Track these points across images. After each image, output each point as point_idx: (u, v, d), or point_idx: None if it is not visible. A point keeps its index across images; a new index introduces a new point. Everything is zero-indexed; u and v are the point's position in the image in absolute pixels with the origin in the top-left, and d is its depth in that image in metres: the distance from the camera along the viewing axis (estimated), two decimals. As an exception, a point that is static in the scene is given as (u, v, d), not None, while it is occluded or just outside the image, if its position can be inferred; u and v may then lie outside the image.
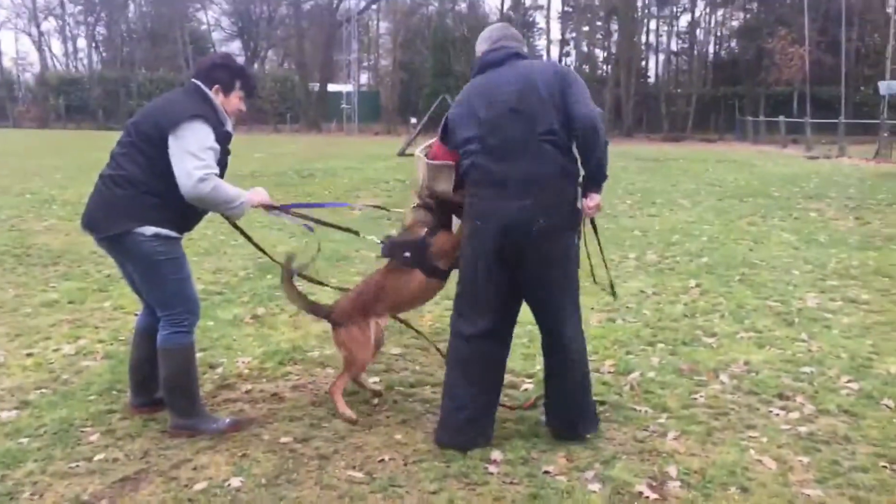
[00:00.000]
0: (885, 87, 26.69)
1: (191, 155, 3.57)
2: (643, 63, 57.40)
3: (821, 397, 4.40)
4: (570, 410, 3.80)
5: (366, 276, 4.48)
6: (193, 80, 3.84)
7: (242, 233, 4.29)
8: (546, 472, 3.46)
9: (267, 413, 4.14)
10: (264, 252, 4.45)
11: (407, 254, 4.08)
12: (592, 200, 3.70)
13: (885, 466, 3.55)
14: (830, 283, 7.24)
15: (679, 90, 55.33)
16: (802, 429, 3.98)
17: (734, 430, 3.98)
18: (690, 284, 7.21)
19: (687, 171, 20.72)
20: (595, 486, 3.34)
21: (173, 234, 3.75)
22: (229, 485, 3.34)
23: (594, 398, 3.99)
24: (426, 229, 4.11)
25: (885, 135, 25.50)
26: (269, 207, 4.07)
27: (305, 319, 5.91)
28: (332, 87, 53.99)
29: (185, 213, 3.76)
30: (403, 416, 4.11)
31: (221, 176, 3.75)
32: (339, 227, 4.73)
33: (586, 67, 56.92)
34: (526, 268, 3.67)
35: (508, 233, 3.59)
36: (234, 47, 60.99)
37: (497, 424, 3.98)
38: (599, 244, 4.10)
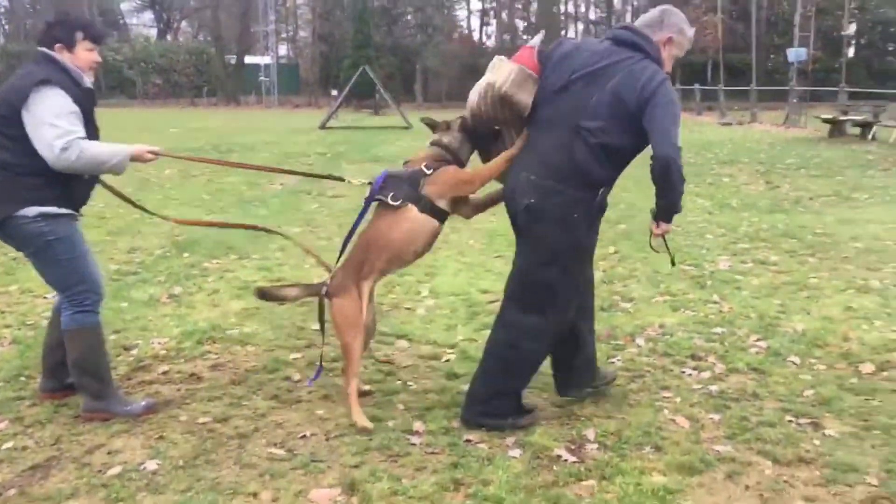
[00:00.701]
0: (793, 54, 27.53)
1: (47, 125, 3.38)
2: (563, 32, 57.79)
3: (731, 356, 4.56)
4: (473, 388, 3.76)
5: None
6: (38, 48, 3.63)
7: (119, 195, 3.97)
8: (467, 441, 3.50)
9: (184, 394, 4.06)
10: (137, 206, 4.10)
11: (395, 190, 3.61)
12: (661, 229, 3.61)
13: (790, 420, 3.71)
14: (741, 245, 7.49)
15: (598, 59, 55.88)
16: (714, 387, 4.12)
17: (649, 391, 4.10)
18: (609, 251, 7.35)
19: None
20: (515, 452, 3.39)
21: (63, 210, 3.56)
22: (145, 468, 3.26)
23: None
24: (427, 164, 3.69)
25: (794, 101, 26.36)
26: (155, 154, 3.75)
27: (224, 297, 5.81)
28: (249, 60, 52.62)
29: (70, 185, 3.56)
30: (326, 391, 4.09)
31: (95, 136, 3.59)
32: (322, 176, 4.65)
33: (507, 37, 57.08)
34: (516, 235, 3.68)
35: (509, 197, 3.61)
36: (146, 19, 58.98)
37: (420, 396, 4.00)
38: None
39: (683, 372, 4.37)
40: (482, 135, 3.81)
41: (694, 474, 3.21)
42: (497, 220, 8.95)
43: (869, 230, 8.21)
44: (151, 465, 3.29)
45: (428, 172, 3.64)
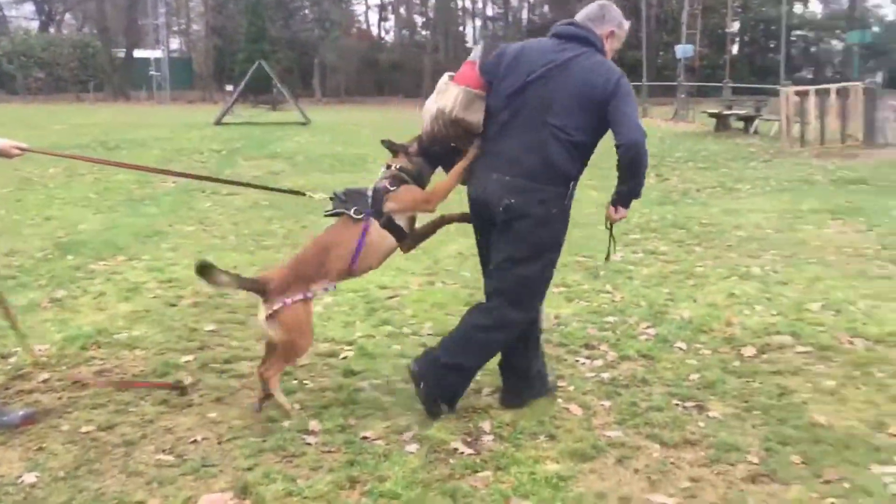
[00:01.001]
0: (680, 50, 28.54)
1: None
2: (461, 28, 58.28)
3: (622, 344, 4.69)
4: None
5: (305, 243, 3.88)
6: None
7: None
8: (364, 438, 3.47)
9: (66, 402, 3.87)
10: None
11: (358, 204, 3.66)
12: (620, 213, 3.75)
13: (677, 404, 3.84)
14: (633, 236, 7.72)
15: (496, 55, 56.52)
16: (605, 375, 4.23)
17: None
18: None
19: (505, 135, 21.25)
20: (412, 448, 3.38)
21: None
22: (23, 481, 3.10)
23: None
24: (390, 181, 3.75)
25: (682, 96, 27.35)
26: (21, 150, 3.57)
27: (111, 300, 5.58)
28: (138, 53, 50.83)
29: None
30: (218, 393, 3.98)
31: None
32: (284, 191, 4.48)
33: (406, 32, 57.10)
34: (493, 237, 3.73)
35: (480, 200, 3.66)
36: (27, 11, 56.09)
37: (316, 395, 3.95)
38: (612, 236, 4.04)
39: (577, 361, 4.47)
40: (440, 154, 3.86)
41: (586, 460, 3.28)
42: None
43: (751, 219, 8.61)
44: (30, 477, 3.12)
45: (391, 189, 3.71)
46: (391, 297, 5.66)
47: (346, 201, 3.70)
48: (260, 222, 8.50)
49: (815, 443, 3.40)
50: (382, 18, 59.55)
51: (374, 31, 59.99)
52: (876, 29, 50.01)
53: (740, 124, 21.28)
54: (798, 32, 53.77)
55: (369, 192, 3.73)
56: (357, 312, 5.31)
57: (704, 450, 3.37)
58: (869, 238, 7.56)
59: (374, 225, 3.69)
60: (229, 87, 33.61)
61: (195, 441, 3.45)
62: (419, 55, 53.73)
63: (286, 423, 3.59)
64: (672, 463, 3.27)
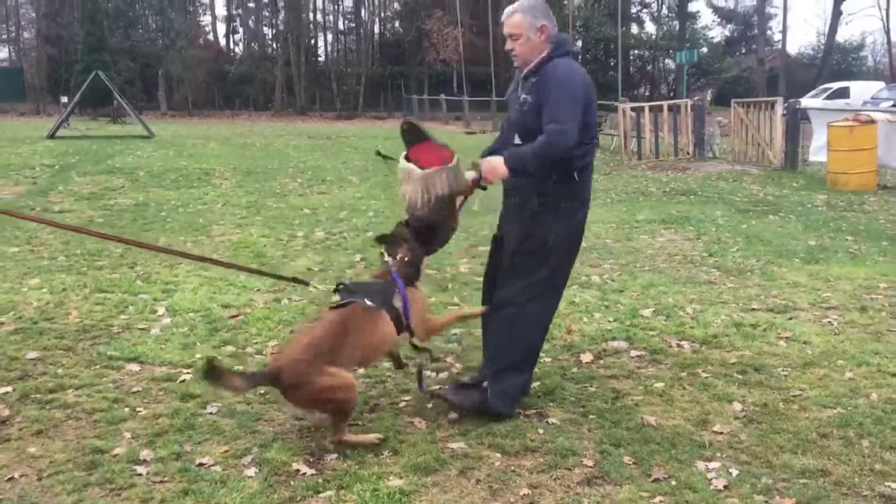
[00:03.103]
0: (526, 68, 29.53)
1: None
2: (312, 41, 57.77)
3: (468, 356, 4.75)
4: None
5: (305, 326, 3.73)
6: None
7: None
8: (200, 465, 3.33)
9: None
10: None
11: (370, 297, 3.61)
12: (486, 164, 3.75)
13: (519, 413, 3.92)
14: (481, 248, 7.85)
15: (349, 69, 56.51)
16: (449, 387, 4.25)
17: (390, 396, 4.16)
18: (356, 259, 7.40)
19: (357, 149, 21.28)
20: (251, 472, 3.28)
21: None
22: None
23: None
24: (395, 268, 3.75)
25: (530, 112, 28.29)
26: None
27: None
28: (-38, 62, 47.24)
29: None
30: (39, 425, 3.70)
31: None
32: (286, 279, 4.39)
33: (255, 45, 56.04)
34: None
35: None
36: None
37: (149, 422, 3.76)
38: None
39: (424, 374, 4.48)
40: (432, 225, 3.83)
41: (429, 473, 3.29)
42: (242, 231, 8.71)
43: (592, 230, 8.96)
44: None
45: (396, 286, 3.70)
46: (234, 317, 5.48)
47: (355, 292, 3.65)
48: (93, 241, 8.04)
49: (645, 443, 3.56)
50: (231, 30, 58.16)
51: (222, 42, 58.45)
52: (704, 50, 53.72)
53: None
54: (635, 52, 56.90)
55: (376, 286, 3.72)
56: (197, 333, 5.11)
57: (543, 456, 3.46)
58: (697, 246, 8.05)
59: (386, 317, 3.64)
60: (64, 99, 31.75)
61: (12, 479, 3.20)
62: (271, 68, 52.84)
63: (115, 453, 3.39)
64: (513, 471, 3.33)
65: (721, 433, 3.69)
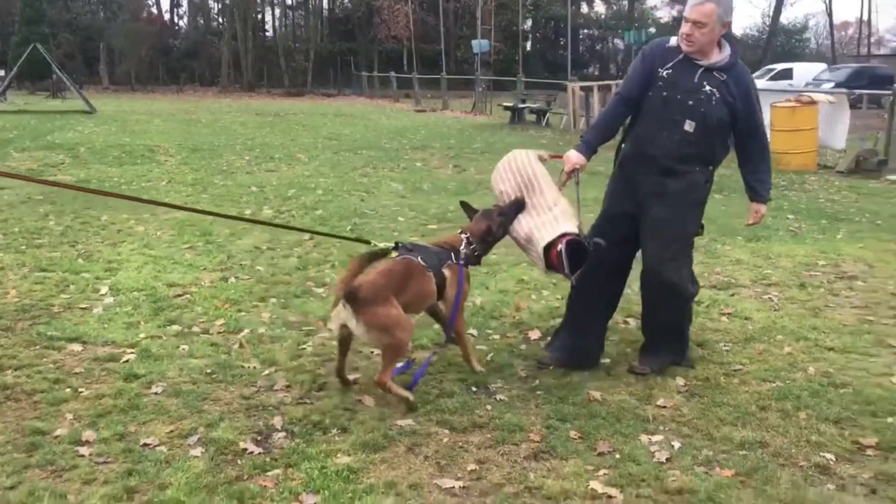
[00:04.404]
0: (476, 45, 29.51)
1: None
2: (260, 16, 56.80)
3: (415, 333, 4.73)
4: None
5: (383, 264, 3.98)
6: None
7: None
8: (145, 445, 3.29)
9: None
10: None
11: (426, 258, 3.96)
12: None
13: (467, 389, 3.94)
14: (430, 227, 7.86)
15: (297, 45, 55.74)
16: (400, 365, 4.25)
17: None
18: (305, 237, 7.33)
19: (306, 126, 21.05)
20: (197, 451, 3.24)
21: None
22: None
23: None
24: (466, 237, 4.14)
25: (480, 90, 28.27)
26: None
27: None
28: None
29: None
30: (-22, 408, 3.61)
31: None
32: (350, 239, 4.91)
33: (200, 19, 54.84)
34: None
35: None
36: None
37: (92, 402, 3.69)
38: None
39: (372, 352, 4.47)
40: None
41: (377, 451, 3.30)
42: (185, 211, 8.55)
43: (541, 208, 9.02)
44: None
45: (454, 262, 4.06)
46: (180, 295, 5.40)
47: (412, 251, 3.98)
48: (33, 218, 7.83)
49: (591, 418, 3.62)
50: (175, 3, 56.81)
51: (166, 16, 57.09)
52: (653, 30, 54.18)
53: (533, 117, 22.33)
54: (585, 31, 57.20)
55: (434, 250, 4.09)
56: (141, 312, 5.02)
57: (491, 432, 3.49)
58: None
59: (433, 278, 3.97)
60: (1, 73, 30.70)
61: (-53, 463, 3.11)
62: (216, 43, 51.82)
63: (56, 434, 3.33)
64: (460, 447, 3.36)
65: (664, 407, 3.76)
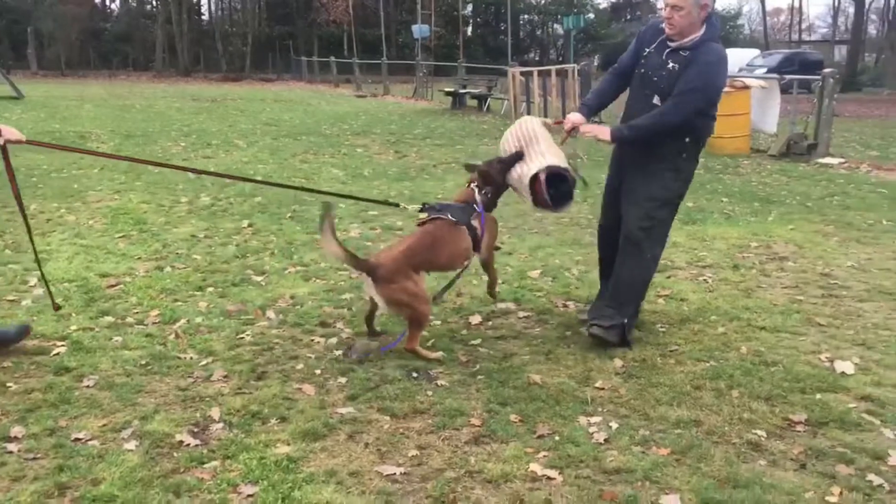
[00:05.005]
0: (417, 30, 29.38)
1: None
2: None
3: (357, 321, 4.72)
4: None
5: (406, 235, 4.41)
6: None
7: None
8: (76, 440, 3.20)
9: None
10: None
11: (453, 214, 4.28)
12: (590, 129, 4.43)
13: (408, 376, 3.93)
14: (371, 213, 7.80)
15: (235, 28, 54.72)
16: (340, 352, 4.24)
17: (278, 363, 4.09)
18: (243, 225, 7.22)
19: (244, 111, 20.72)
20: (131, 445, 3.17)
21: None
22: None
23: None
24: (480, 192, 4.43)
25: (421, 75, 28.16)
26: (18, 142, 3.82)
27: None
28: None
29: None
30: None
31: None
32: (376, 201, 5.47)
33: (133, 1, 53.42)
34: None
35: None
36: None
37: (21, 397, 3.58)
38: None
39: (312, 340, 4.44)
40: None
41: (317, 439, 3.27)
42: (121, 197, 8.35)
43: (482, 193, 9.04)
44: None
45: (478, 210, 4.39)
46: (113, 286, 5.27)
47: (441, 210, 4.31)
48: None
49: (531, 401, 3.65)
50: (107, -15, 55.18)
51: (98, -2, 55.43)
52: (591, 15, 54.72)
53: (474, 102, 22.34)
54: (525, 16, 57.41)
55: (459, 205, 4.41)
56: (73, 304, 4.88)
57: (432, 417, 3.50)
58: (583, 208, 8.24)
59: (465, 231, 4.31)
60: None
61: None
62: (149, 26, 50.55)
63: (-17, 433, 3.22)
64: (401, 433, 3.35)
65: (603, 389, 3.82)
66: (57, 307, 4.31)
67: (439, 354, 4.15)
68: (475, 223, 4.35)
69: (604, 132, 4.35)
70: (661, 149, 4.28)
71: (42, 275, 4.47)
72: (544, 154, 4.32)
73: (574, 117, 4.45)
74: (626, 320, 4.33)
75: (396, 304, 4.08)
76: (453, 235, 4.28)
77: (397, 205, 4.81)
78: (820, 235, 7.16)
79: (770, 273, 5.92)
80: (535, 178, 4.25)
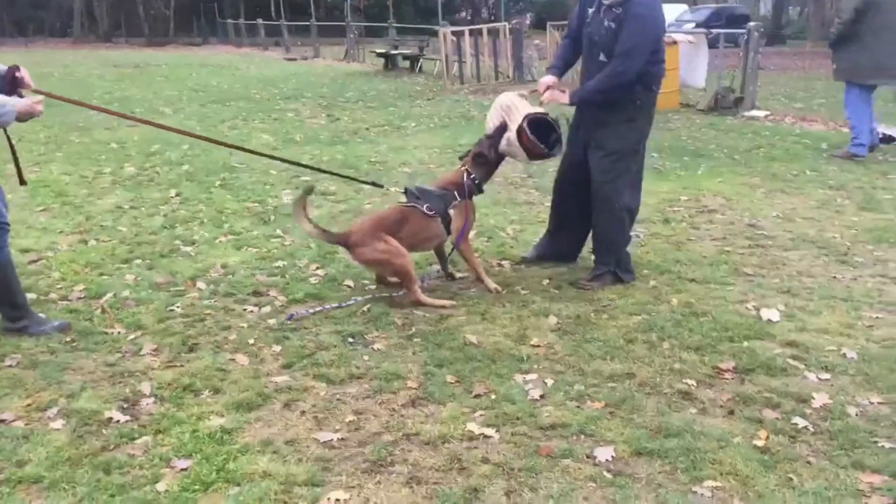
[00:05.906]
0: (346, -10, 28.73)
1: None
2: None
3: (291, 288, 4.66)
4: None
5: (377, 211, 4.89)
6: None
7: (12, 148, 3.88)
8: (0, 421, 3.09)
9: None
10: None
11: (432, 205, 4.49)
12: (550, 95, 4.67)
13: (344, 341, 3.90)
14: (303, 178, 7.68)
15: (157, -8, 52.79)
16: (273, 321, 4.18)
17: (210, 334, 4.01)
18: (171, 194, 7.04)
19: (169, 77, 20.14)
20: (58, 424, 3.08)
21: None
22: None
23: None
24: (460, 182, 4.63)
25: (352, 36, 27.68)
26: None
27: None
28: None
29: None
30: None
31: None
32: (362, 181, 5.41)
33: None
34: None
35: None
36: None
37: (-62, 381, 3.44)
38: None
39: (245, 310, 4.37)
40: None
41: (252, 409, 3.23)
42: (41, 169, 8.05)
43: (416, 156, 8.99)
44: None
45: (457, 200, 4.58)
46: (34, 261, 5.09)
47: (419, 198, 4.50)
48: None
49: (467, 361, 3.66)
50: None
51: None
52: (522, -26, 54.45)
53: (406, 64, 22.09)
54: (456, -24, 56.72)
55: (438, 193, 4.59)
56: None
57: (368, 382, 3.48)
58: (517, 167, 8.25)
59: (438, 220, 4.52)
60: None
61: None
62: (67, -10, 48.49)
63: None
64: (338, 399, 3.33)
65: (538, 346, 3.85)
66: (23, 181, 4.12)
67: (447, 301, 4.43)
68: (451, 212, 4.54)
69: (563, 97, 4.62)
70: (619, 100, 4.51)
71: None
72: (521, 109, 4.52)
73: (546, 79, 4.73)
74: (611, 268, 4.71)
75: (375, 263, 4.46)
76: (426, 222, 4.50)
77: (381, 185, 4.99)
78: (747, 187, 7.32)
79: (699, 226, 6.03)
80: (520, 132, 4.43)
